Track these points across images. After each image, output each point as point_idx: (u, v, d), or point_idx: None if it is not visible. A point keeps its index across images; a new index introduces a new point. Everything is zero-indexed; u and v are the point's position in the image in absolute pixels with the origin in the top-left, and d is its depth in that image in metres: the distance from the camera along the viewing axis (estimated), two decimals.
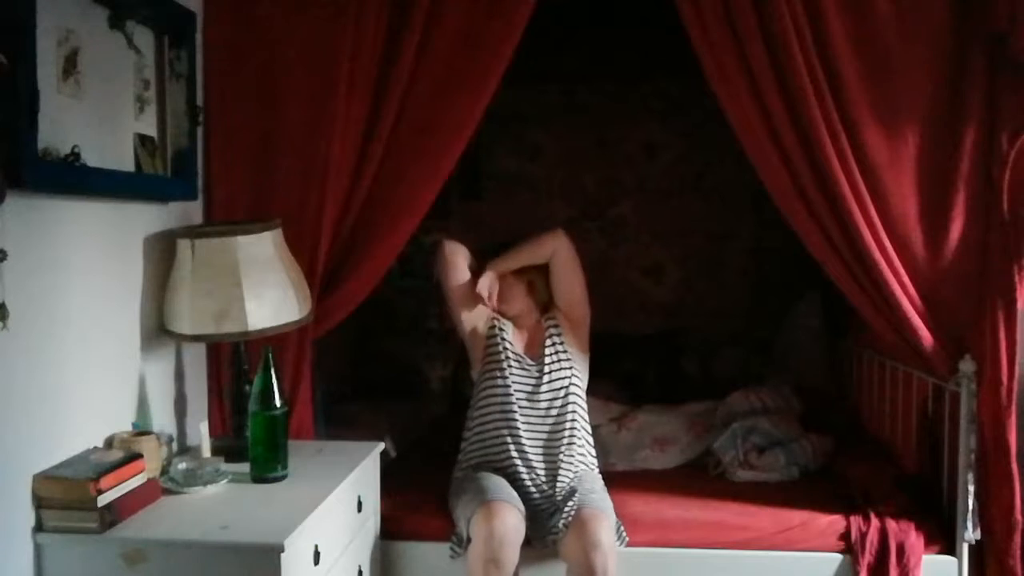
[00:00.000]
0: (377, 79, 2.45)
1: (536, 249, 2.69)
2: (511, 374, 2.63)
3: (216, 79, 2.47)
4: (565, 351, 2.70)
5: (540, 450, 2.59)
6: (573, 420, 2.63)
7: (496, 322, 2.71)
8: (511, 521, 2.32)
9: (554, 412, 2.62)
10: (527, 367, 2.66)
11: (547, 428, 2.61)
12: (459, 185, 4.13)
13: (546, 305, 2.78)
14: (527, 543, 2.39)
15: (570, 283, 2.72)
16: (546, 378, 2.65)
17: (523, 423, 2.59)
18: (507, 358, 2.65)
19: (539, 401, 2.62)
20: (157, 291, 2.23)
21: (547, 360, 2.67)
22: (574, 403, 2.65)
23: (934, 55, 2.38)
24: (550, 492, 2.53)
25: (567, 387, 2.65)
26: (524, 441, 2.57)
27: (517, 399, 2.60)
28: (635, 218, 4.39)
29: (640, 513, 2.57)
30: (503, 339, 2.68)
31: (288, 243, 2.34)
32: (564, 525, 2.37)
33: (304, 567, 1.87)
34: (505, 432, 2.58)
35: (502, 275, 2.70)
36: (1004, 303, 2.37)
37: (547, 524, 2.43)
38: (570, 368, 2.68)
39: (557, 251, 2.67)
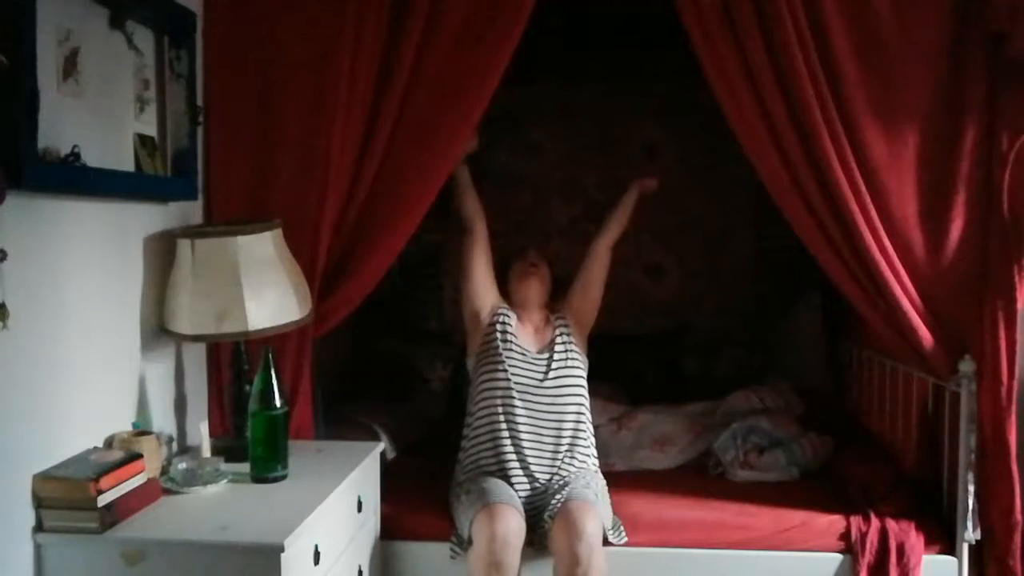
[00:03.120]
0: (377, 79, 2.45)
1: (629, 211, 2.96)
2: (511, 366, 2.63)
3: (216, 79, 2.47)
4: (575, 349, 2.72)
5: (540, 446, 2.58)
6: (578, 420, 2.63)
7: (502, 313, 2.71)
8: (513, 523, 2.32)
9: (557, 408, 2.61)
10: (533, 360, 2.66)
11: (550, 424, 2.60)
12: None
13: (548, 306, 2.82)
14: (528, 544, 2.39)
15: (598, 283, 2.83)
16: (553, 373, 2.65)
17: (524, 416, 2.58)
18: (509, 349, 2.65)
19: (542, 396, 2.61)
20: (157, 291, 2.23)
21: (557, 356, 2.67)
22: (580, 404, 2.66)
23: (934, 55, 2.38)
24: (544, 489, 2.53)
25: (574, 384, 2.66)
26: (523, 435, 2.56)
27: (519, 392, 2.59)
28: (635, 218, 4.37)
29: (640, 513, 2.57)
30: (506, 330, 2.68)
31: (288, 243, 2.34)
32: (549, 517, 2.38)
33: (304, 567, 1.87)
34: (504, 426, 2.57)
35: (543, 261, 2.85)
36: (1004, 303, 2.37)
37: (539, 520, 2.44)
38: (578, 367, 2.70)
39: (607, 248, 2.85)
